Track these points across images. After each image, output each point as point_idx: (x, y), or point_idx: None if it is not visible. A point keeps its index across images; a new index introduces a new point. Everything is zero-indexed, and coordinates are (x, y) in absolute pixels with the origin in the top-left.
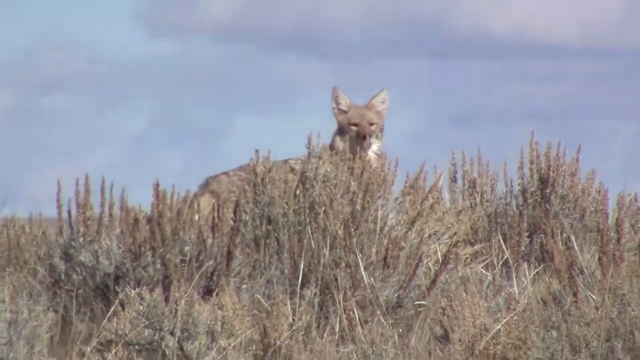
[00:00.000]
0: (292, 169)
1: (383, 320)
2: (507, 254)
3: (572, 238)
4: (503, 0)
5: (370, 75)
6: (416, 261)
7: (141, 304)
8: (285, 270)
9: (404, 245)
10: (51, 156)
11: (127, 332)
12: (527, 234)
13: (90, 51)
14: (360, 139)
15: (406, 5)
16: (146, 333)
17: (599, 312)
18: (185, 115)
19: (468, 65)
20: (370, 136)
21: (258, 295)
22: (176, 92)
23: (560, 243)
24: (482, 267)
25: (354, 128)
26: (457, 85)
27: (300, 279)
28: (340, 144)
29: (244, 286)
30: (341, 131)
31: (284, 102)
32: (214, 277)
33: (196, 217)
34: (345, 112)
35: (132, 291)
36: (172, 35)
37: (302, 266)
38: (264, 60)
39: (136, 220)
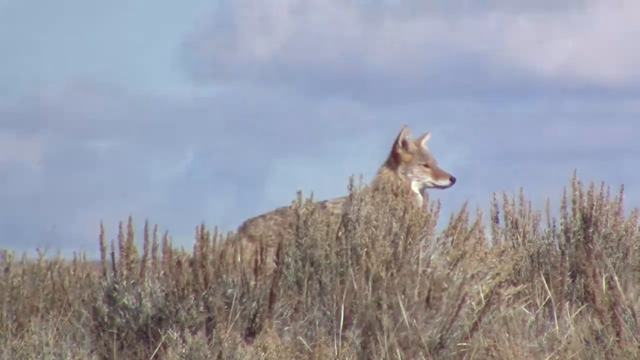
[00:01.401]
0: (332, 213)
1: None
2: (549, 294)
3: (615, 277)
4: (549, 41)
5: (415, 116)
6: (459, 302)
7: (184, 347)
8: (328, 312)
9: (447, 286)
10: (95, 199)
11: None
12: (569, 273)
13: (133, 94)
14: (437, 178)
15: (452, 46)
16: None
17: None
18: (227, 158)
19: (513, 104)
20: (442, 177)
21: (300, 337)
22: (218, 135)
23: (602, 282)
24: (524, 307)
25: (427, 169)
26: (502, 125)
27: (342, 320)
28: (389, 175)
29: (287, 328)
30: (390, 164)
31: (326, 145)
32: (257, 319)
33: (239, 259)
34: (410, 152)
35: (175, 334)
36: (213, 79)
37: (343, 307)
38: (304, 102)
39: (179, 263)
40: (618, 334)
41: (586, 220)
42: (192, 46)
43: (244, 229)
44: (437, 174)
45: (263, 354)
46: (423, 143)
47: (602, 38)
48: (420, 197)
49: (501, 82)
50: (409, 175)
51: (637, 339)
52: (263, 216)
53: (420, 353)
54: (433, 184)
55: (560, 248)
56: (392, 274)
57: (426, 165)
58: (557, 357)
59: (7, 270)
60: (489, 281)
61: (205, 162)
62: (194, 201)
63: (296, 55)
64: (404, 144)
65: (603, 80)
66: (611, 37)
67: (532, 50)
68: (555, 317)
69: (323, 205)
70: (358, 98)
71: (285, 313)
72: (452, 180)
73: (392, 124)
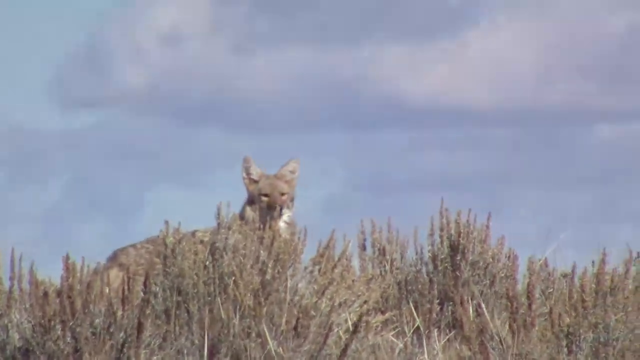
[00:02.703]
0: (201, 241)
1: None
2: (418, 322)
3: (483, 305)
4: (420, 69)
5: (284, 146)
6: (326, 330)
7: None
8: (196, 341)
9: (314, 314)
10: None
11: None
12: (437, 301)
13: (3, 128)
14: (271, 209)
15: (324, 75)
16: None
17: None
18: (99, 188)
19: (382, 133)
20: (281, 207)
21: None
22: (89, 165)
23: (470, 310)
24: (393, 335)
25: (265, 199)
26: (371, 154)
27: (207, 349)
28: (250, 213)
29: (154, 358)
30: (251, 201)
31: (200, 174)
32: (125, 349)
33: (106, 290)
34: (256, 182)
35: None
36: (84, 108)
37: (211, 336)
38: (180, 131)
39: (46, 294)
40: None
41: (454, 248)
42: (64, 77)
43: (114, 258)
44: (271, 204)
45: None
46: (286, 170)
47: (472, 65)
48: (283, 227)
49: (373, 111)
50: (260, 207)
51: None
52: (134, 245)
53: None
54: (271, 214)
55: (428, 275)
56: (260, 303)
57: (265, 195)
58: None
59: None
60: (357, 309)
61: (77, 193)
62: (64, 232)
63: (170, 85)
64: (248, 174)
65: (474, 107)
66: (481, 64)
67: (403, 79)
68: (424, 344)
69: (193, 234)
70: (233, 128)
71: (153, 342)
72: (274, 207)
73: (268, 154)
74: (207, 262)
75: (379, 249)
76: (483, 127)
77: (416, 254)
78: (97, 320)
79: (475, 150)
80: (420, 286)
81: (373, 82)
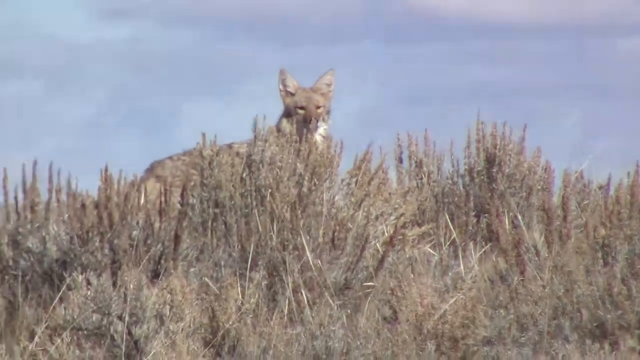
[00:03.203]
0: (237, 153)
1: (331, 301)
2: (454, 234)
3: (519, 217)
4: None
5: (319, 58)
6: (363, 242)
7: (89, 289)
8: (233, 254)
9: (351, 226)
10: (2, 144)
11: (76, 317)
12: (474, 213)
13: (37, 37)
14: (307, 122)
15: None
16: (94, 318)
17: (546, 290)
18: (136, 101)
19: (418, 46)
20: (317, 119)
21: (206, 279)
22: (126, 78)
23: (506, 222)
24: (429, 248)
25: (300, 111)
26: (407, 67)
27: (248, 261)
28: (286, 126)
29: (192, 270)
30: (288, 114)
31: (233, 87)
32: (162, 261)
33: (143, 202)
34: (292, 94)
35: (80, 276)
36: (120, 20)
37: (250, 249)
38: (215, 44)
39: (83, 206)
40: (522, 273)
41: (490, 160)
42: None
43: (151, 170)
44: (307, 117)
45: (169, 295)
46: (322, 83)
47: None
48: (320, 140)
49: (409, 23)
50: (296, 120)
51: (541, 277)
52: (171, 157)
53: (326, 294)
54: (307, 127)
55: (464, 188)
56: (296, 215)
57: (301, 108)
58: (462, 297)
59: None
60: (394, 221)
61: (113, 105)
62: (102, 144)
63: None
64: (285, 86)
65: (508, 20)
66: None
67: None
68: (460, 257)
69: (230, 146)
70: (267, 41)
71: (190, 255)
72: (309, 120)
73: (301, 66)
74: (244, 175)
75: (415, 162)
76: (520, 40)
77: (452, 166)
78: (134, 232)
79: (512, 63)
80: (456, 199)
81: None
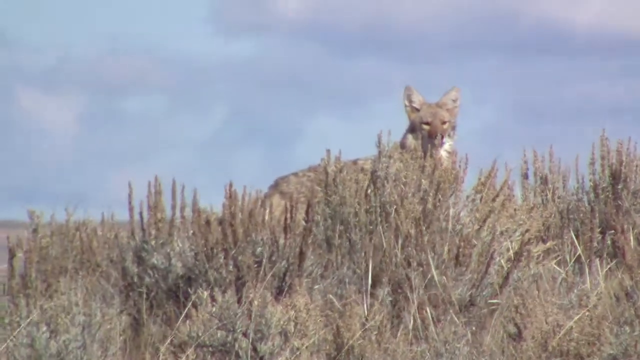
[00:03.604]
0: (362, 169)
1: (456, 318)
2: (579, 251)
3: None
4: None
5: (445, 74)
6: (488, 259)
7: (214, 306)
8: (358, 270)
9: (476, 243)
10: (125, 159)
11: (200, 333)
12: (599, 230)
13: (163, 53)
14: (432, 137)
15: (480, 2)
16: (219, 334)
17: None
18: (258, 117)
19: (542, 60)
20: (442, 135)
21: (330, 295)
22: (249, 94)
23: (632, 239)
24: (554, 264)
25: (426, 127)
26: (532, 82)
27: (371, 278)
28: (412, 142)
29: (317, 286)
30: (413, 129)
31: (358, 104)
32: (287, 278)
33: (268, 218)
34: (417, 110)
35: (205, 293)
36: (245, 36)
37: (373, 265)
38: (337, 61)
39: (208, 222)
40: None
41: (615, 177)
42: (223, 3)
43: (275, 186)
44: (432, 132)
45: (293, 312)
46: (447, 99)
47: None
48: (445, 156)
49: (533, 38)
50: (422, 135)
51: None
52: (295, 173)
53: (450, 310)
54: (432, 143)
55: (589, 204)
56: (421, 232)
57: (427, 124)
58: (587, 314)
59: (35, 230)
60: (519, 238)
61: (236, 121)
62: (224, 160)
63: (327, 15)
64: (410, 102)
65: (636, 36)
66: None
67: (564, 4)
68: (586, 273)
69: (354, 162)
70: (389, 58)
71: (314, 271)
72: (435, 136)
73: (424, 83)
74: (369, 191)
75: (540, 178)
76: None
77: (577, 182)
78: (259, 249)
79: (638, 79)
80: (581, 215)
81: (533, 7)
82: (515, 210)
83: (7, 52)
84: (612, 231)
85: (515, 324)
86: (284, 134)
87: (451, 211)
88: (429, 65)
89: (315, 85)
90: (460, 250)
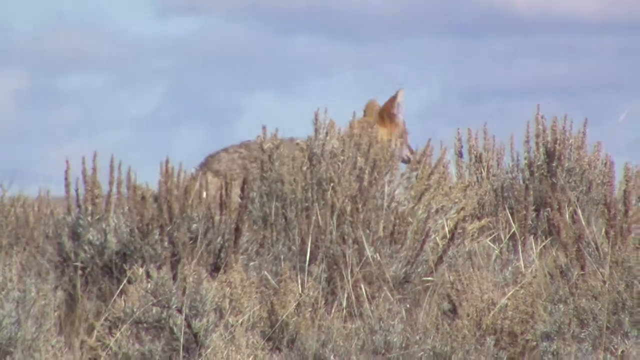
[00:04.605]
0: (300, 147)
1: (390, 295)
2: (514, 228)
3: (579, 211)
4: None
5: (385, 52)
6: (423, 236)
7: (149, 282)
8: (293, 247)
9: (411, 220)
10: (61, 136)
11: (135, 310)
12: (533, 207)
13: (100, 31)
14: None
15: None
16: (154, 311)
17: (606, 285)
18: (198, 94)
19: (482, 41)
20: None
21: (266, 272)
22: (189, 71)
23: (567, 216)
24: (489, 242)
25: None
26: (470, 62)
27: (307, 255)
28: (384, 134)
29: (252, 263)
30: (384, 124)
31: (298, 82)
32: (222, 255)
33: (204, 195)
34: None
35: (140, 269)
36: (182, 15)
37: (309, 243)
38: (276, 39)
39: (144, 198)
40: (582, 268)
41: (550, 155)
42: None
43: (205, 164)
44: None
45: (228, 289)
46: (398, 101)
47: None
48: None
49: (472, 18)
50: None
51: (601, 272)
52: (226, 150)
53: (385, 288)
54: (403, 160)
55: (524, 182)
56: (357, 209)
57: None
58: (521, 291)
59: None
60: (454, 215)
61: (175, 99)
62: (163, 138)
63: None
64: (399, 107)
65: (572, 15)
66: None
67: None
68: (520, 251)
69: (292, 140)
70: (330, 35)
71: (250, 248)
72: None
73: (365, 62)
74: (305, 168)
75: (475, 156)
76: (580, 35)
77: (512, 160)
78: (194, 225)
79: (572, 58)
80: (516, 193)
81: None
82: (450, 188)
83: None
84: (547, 209)
85: (450, 301)
86: (223, 112)
87: (387, 189)
88: (370, 44)
89: (255, 63)
90: (396, 227)
